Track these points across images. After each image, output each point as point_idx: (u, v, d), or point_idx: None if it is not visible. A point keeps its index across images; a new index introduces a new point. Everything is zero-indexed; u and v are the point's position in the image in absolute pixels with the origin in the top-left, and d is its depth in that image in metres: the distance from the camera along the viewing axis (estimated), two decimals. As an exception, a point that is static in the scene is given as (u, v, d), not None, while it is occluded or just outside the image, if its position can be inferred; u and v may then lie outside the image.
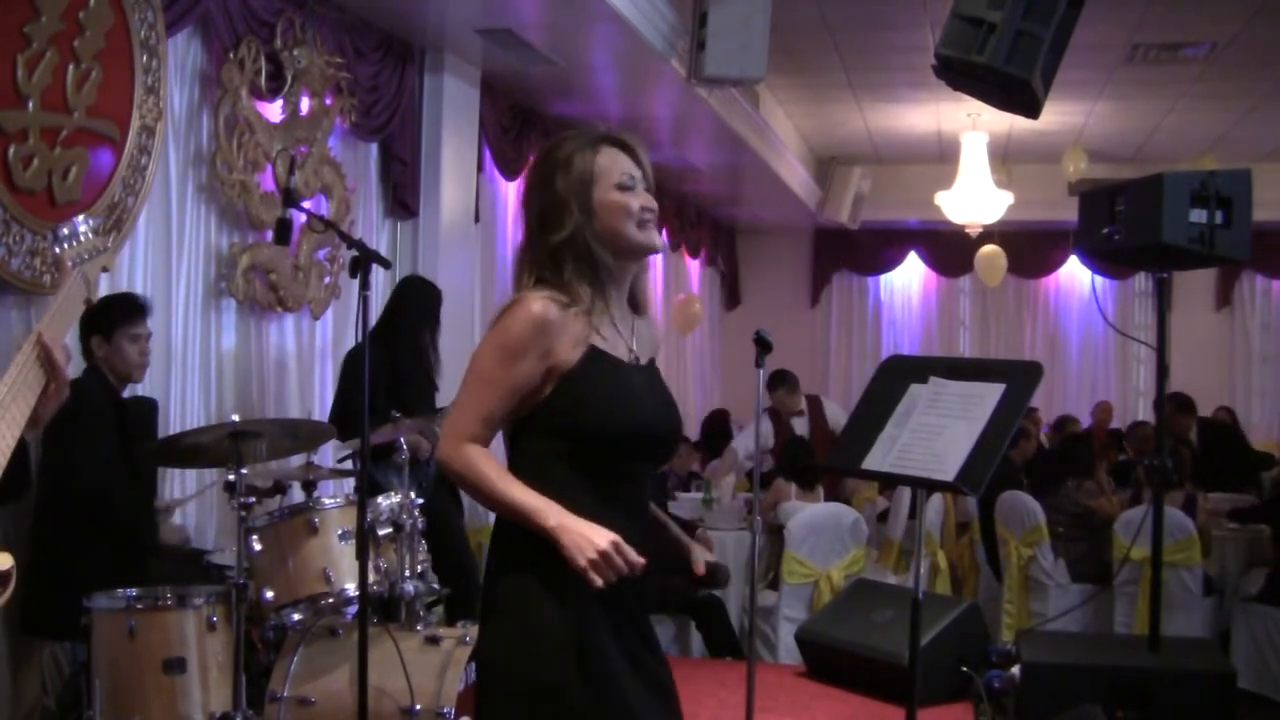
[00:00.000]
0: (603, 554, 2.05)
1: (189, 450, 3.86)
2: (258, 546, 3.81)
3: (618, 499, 2.22)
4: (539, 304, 2.17)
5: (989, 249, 11.67)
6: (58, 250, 2.23)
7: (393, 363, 5.13)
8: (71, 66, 4.10)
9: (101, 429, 3.93)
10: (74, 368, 3.52)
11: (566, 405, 2.19)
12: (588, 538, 2.06)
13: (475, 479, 2.16)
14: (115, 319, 4.03)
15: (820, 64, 8.74)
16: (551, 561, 2.09)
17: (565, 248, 2.20)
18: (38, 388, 2.03)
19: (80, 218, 2.32)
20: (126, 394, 4.22)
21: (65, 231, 2.25)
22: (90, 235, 2.29)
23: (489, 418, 2.19)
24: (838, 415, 8.07)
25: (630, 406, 2.22)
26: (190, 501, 4.83)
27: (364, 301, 3.47)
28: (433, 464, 5.29)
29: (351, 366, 5.27)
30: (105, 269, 2.36)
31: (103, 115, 4.26)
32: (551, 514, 2.09)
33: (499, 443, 2.29)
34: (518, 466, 2.22)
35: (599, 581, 2.05)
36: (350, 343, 5.39)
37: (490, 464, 2.17)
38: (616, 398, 2.21)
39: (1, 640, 3.92)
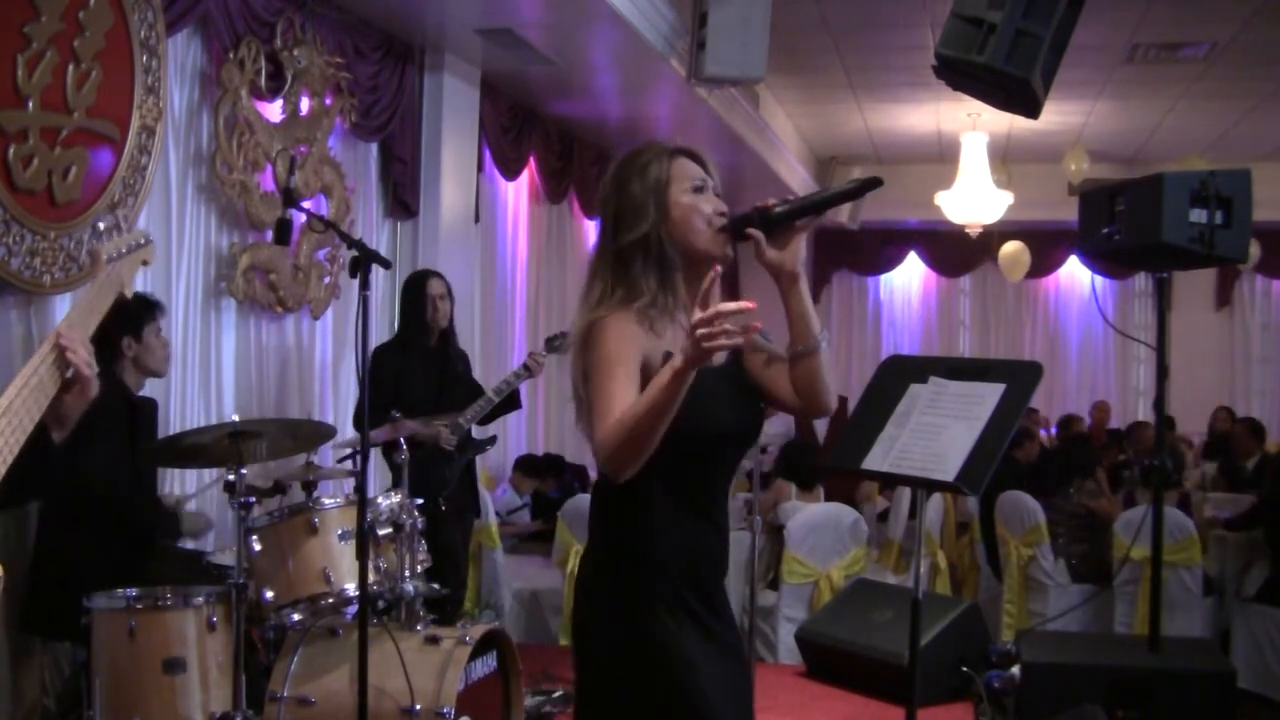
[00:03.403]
0: (706, 335, 1.97)
1: (189, 450, 3.85)
2: (258, 546, 3.81)
3: (699, 505, 2.28)
4: (609, 315, 2.19)
5: (1013, 245, 11.66)
6: (96, 244, 2.15)
7: (400, 368, 5.12)
8: (71, 66, 4.10)
9: (113, 430, 3.91)
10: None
11: None
12: (691, 345, 2.00)
13: (629, 426, 2.07)
14: (143, 317, 4.02)
15: (820, 64, 8.74)
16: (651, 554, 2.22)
17: (637, 247, 2.25)
18: (51, 389, 1.97)
19: (119, 213, 2.26)
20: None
21: (104, 225, 2.18)
22: (128, 228, 2.23)
23: (629, 394, 2.13)
24: None
25: (699, 409, 2.18)
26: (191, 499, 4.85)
27: (364, 301, 3.47)
28: (457, 458, 5.22)
29: (376, 364, 5.25)
30: (146, 263, 2.28)
31: (103, 115, 4.26)
32: (670, 366, 2.04)
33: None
34: (603, 486, 2.27)
35: (719, 346, 1.98)
36: (349, 342, 5.37)
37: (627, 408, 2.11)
38: (685, 402, 2.16)
39: (1, 640, 3.92)
